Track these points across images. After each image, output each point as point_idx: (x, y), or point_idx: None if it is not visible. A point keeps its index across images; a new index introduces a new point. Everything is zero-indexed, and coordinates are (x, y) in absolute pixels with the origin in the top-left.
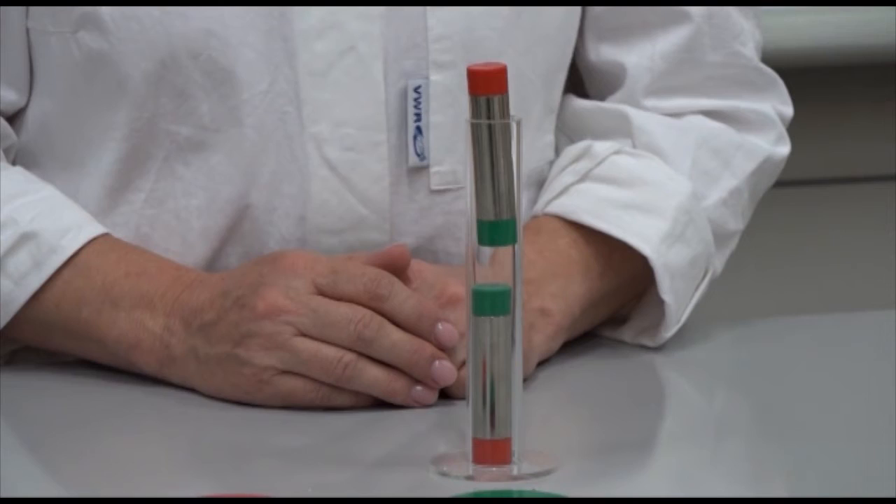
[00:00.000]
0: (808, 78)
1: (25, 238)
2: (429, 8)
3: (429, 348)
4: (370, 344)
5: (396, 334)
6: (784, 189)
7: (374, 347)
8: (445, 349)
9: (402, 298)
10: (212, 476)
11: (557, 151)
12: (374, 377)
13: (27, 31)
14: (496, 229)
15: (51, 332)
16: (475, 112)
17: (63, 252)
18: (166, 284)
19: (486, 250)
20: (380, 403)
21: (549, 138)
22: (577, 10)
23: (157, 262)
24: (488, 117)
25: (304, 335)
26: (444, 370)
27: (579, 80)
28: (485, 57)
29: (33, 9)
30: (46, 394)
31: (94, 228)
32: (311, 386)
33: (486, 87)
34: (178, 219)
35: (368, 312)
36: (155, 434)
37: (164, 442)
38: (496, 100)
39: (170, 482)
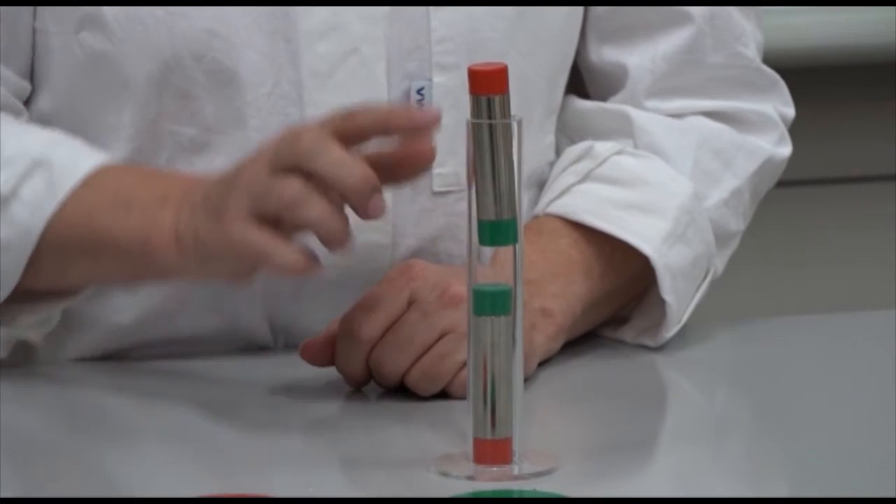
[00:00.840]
0: (808, 78)
1: (38, 165)
2: (432, 9)
3: (374, 177)
4: (315, 158)
5: (341, 152)
6: (784, 189)
7: (320, 162)
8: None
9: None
10: (212, 476)
11: (558, 152)
12: (322, 209)
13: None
14: (497, 229)
15: (65, 255)
16: (476, 112)
17: (78, 173)
18: (179, 182)
19: (487, 250)
20: (381, 403)
21: (550, 139)
22: (579, 11)
23: (169, 171)
24: (489, 117)
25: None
26: (380, 203)
27: (580, 82)
28: (488, 58)
29: (36, 8)
30: (47, 395)
31: (104, 156)
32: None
33: (487, 86)
34: None
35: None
36: (156, 435)
37: (164, 443)
38: (497, 99)
39: (170, 483)
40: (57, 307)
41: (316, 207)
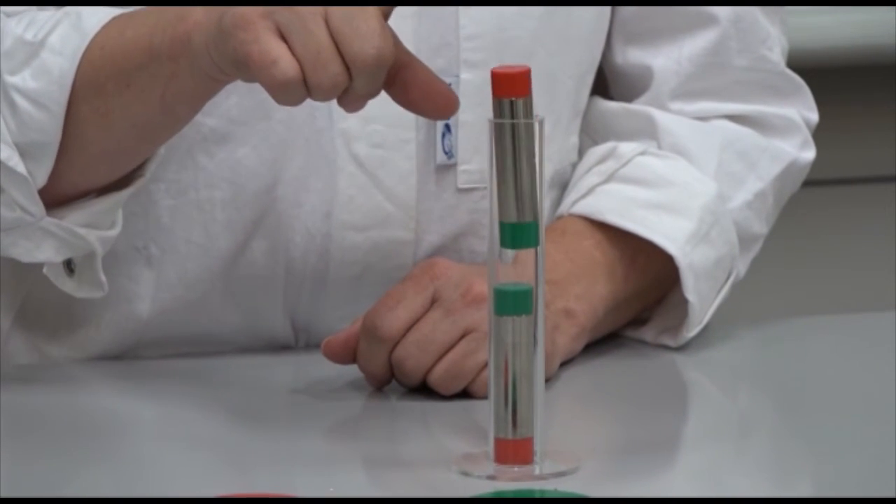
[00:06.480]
0: (808, 78)
1: (65, 15)
2: (461, 7)
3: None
4: (349, 22)
5: (374, 24)
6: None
7: (350, 32)
8: None
9: None
10: (232, 476)
11: (580, 153)
12: (332, 82)
13: None
14: (518, 231)
15: (101, 95)
16: (498, 114)
17: (105, 17)
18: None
19: (509, 250)
20: (402, 403)
21: (574, 140)
22: (607, 12)
23: None
24: (511, 119)
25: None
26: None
27: (604, 83)
28: (515, 57)
29: None
30: (49, 394)
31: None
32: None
33: (510, 89)
34: (200, 210)
35: None
36: (175, 434)
37: (184, 442)
38: (520, 102)
39: (190, 482)
40: (106, 202)
41: (328, 76)
